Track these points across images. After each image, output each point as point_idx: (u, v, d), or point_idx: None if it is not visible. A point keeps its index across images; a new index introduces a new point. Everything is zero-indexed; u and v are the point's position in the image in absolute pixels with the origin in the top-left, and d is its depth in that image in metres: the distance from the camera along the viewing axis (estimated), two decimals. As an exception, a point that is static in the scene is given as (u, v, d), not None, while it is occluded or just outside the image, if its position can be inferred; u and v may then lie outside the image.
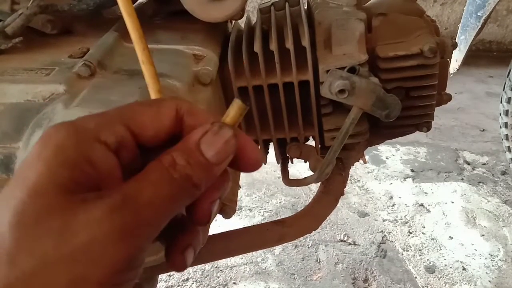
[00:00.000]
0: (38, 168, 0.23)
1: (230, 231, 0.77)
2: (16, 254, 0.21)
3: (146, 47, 0.40)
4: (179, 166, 0.24)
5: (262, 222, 1.53)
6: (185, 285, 1.47)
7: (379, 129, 0.73)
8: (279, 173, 0.81)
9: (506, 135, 1.85)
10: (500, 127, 1.91)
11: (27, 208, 0.22)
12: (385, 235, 1.67)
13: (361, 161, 0.83)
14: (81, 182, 0.23)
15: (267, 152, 0.78)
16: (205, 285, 1.47)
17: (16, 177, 0.23)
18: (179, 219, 0.30)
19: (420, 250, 1.60)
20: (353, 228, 1.71)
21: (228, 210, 0.72)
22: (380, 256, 1.57)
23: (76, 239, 0.21)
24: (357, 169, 2.06)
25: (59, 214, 0.22)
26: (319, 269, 1.52)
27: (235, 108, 0.27)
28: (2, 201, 0.23)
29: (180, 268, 0.28)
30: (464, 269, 1.51)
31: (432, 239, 1.65)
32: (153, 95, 0.44)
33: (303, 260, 1.56)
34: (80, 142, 0.24)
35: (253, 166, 0.28)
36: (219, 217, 0.74)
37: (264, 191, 1.92)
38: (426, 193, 1.91)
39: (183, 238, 0.29)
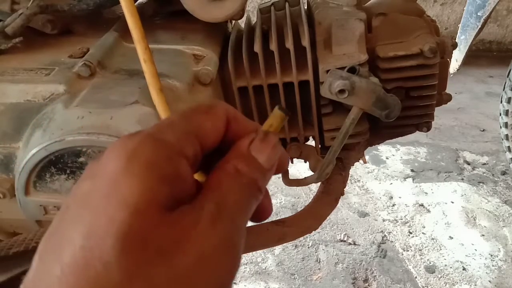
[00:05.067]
0: (135, 185, 0.21)
1: (230, 231, 0.77)
2: (129, 285, 0.19)
3: (147, 47, 0.40)
4: (242, 171, 0.25)
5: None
6: (185, 285, 1.47)
7: (379, 129, 0.73)
8: (279, 173, 0.81)
9: (506, 135, 1.85)
10: (500, 127, 1.91)
11: (132, 231, 0.19)
12: (385, 235, 1.67)
13: (361, 161, 0.83)
14: (178, 198, 0.22)
15: (267, 152, 0.78)
16: (205, 285, 1.46)
17: (102, 195, 0.21)
18: None
19: (420, 250, 1.60)
20: (353, 228, 1.71)
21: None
22: (380, 256, 1.57)
23: (187, 258, 0.20)
24: (357, 169, 2.06)
25: (165, 234, 0.20)
26: (319, 269, 1.52)
27: (277, 117, 0.28)
28: (100, 223, 0.20)
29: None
30: (464, 269, 1.51)
31: (432, 239, 1.65)
32: (154, 93, 0.44)
33: (303, 260, 1.56)
34: (170, 157, 0.23)
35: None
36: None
37: (264, 191, 1.92)
38: (426, 193, 1.91)
39: None
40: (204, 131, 0.25)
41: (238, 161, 0.25)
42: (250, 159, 0.26)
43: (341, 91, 0.58)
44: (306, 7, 0.77)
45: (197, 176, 0.27)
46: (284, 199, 1.87)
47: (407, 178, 2.02)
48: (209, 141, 0.26)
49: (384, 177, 2.02)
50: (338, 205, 0.80)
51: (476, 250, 1.60)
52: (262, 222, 0.89)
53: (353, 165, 0.82)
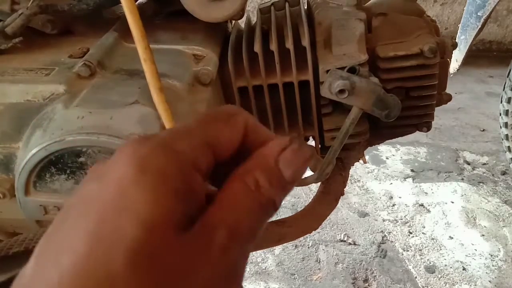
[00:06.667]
0: (148, 200, 0.20)
1: (230, 231, 0.77)
2: None
3: (148, 46, 0.40)
4: (263, 189, 0.23)
5: (262, 222, 1.53)
6: (185, 285, 1.47)
7: (379, 129, 0.73)
8: (279, 173, 0.81)
9: (506, 135, 1.85)
10: (500, 127, 1.91)
11: (144, 250, 0.19)
12: (385, 235, 1.67)
13: (361, 161, 0.83)
14: (191, 215, 0.21)
15: (267, 152, 0.78)
16: (205, 285, 1.47)
17: (110, 203, 0.20)
18: None
19: (420, 250, 1.60)
20: (353, 228, 1.71)
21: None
22: (380, 256, 1.57)
23: (194, 284, 0.20)
24: (357, 169, 2.06)
25: (176, 257, 0.20)
26: (319, 269, 1.52)
27: None
28: (107, 234, 0.19)
29: None
30: (464, 269, 1.51)
31: (432, 239, 1.65)
32: (154, 93, 0.44)
33: (303, 260, 1.56)
34: (183, 171, 0.21)
35: None
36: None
37: (264, 191, 1.92)
38: (426, 193, 1.91)
39: None
40: (220, 142, 0.23)
41: (260, 173, 0.23)
42: (273, 172, 0.23)
43: (341, 91, 0.58)
44: (306, 7, 0.77)
45: None
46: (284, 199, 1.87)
47: (407, 178, 2.02)
48: (223, 152, 0.24)
49: (384, 177, 2.02)
50: (338, 205, 0.80)
51: (476, 250, 1.60)
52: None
53: (353, 165, 0.82)
